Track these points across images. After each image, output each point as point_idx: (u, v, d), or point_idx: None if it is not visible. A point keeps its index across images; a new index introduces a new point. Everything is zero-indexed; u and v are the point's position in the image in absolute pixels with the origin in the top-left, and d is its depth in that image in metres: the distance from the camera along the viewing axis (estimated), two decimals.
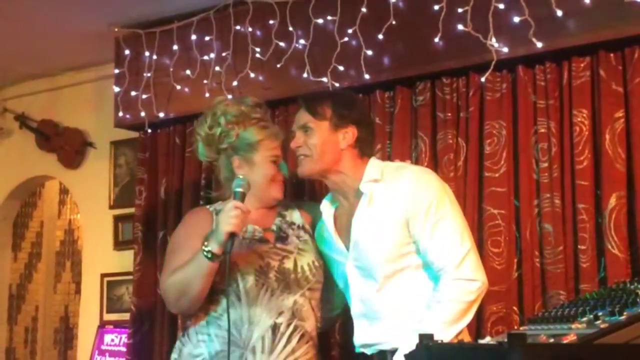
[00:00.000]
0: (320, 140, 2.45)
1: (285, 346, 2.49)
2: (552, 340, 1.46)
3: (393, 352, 2.30)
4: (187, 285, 2.44)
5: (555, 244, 2.75)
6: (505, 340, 1.36)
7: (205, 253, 2.37)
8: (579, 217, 2.71)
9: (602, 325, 1.46)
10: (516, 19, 2.78)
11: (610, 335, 1.42)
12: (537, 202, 2.82)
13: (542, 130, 2.83)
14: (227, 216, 2.35)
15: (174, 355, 2.62)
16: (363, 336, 2.45)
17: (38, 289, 5.73)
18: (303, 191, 3.28)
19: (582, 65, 2.78)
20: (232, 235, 2.35)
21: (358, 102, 2.69)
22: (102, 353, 4.15)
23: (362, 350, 2.47)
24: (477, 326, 2.79)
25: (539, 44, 2.76)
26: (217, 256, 2.37)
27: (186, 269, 2.44)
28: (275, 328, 2.49)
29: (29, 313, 5.70)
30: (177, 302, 2.53)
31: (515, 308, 2.80)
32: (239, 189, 2.44)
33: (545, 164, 2.81)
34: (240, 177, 2.51)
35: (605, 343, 1.40)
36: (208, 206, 2.76)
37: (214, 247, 2.36)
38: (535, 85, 2.87)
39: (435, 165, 3.00)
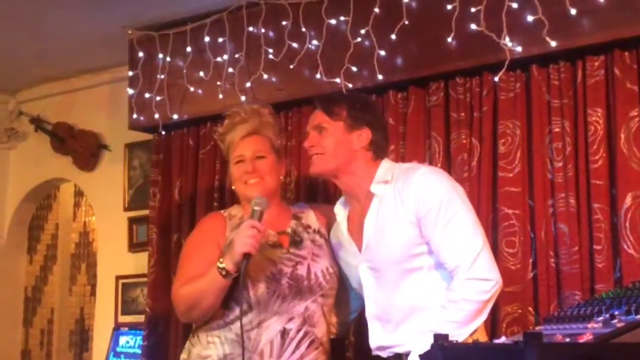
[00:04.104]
0: (334, 140, 2.45)
1: (294, 352, 2.48)
2: (568, 339, 1.45)
3: (408, 355, 2.29)
4: (199, 298, 2.46)
5: (571, 244, 2.73)
6: (521, 339, 1.36)
7: (219, 270, 2.38)
8: (594, 216, 2.69)
9: (619, 325, 1.45)
10: (530, 18, 2.77)
11: (626, 334, 1.41)
12: (552, 202, 2.80)
13: (557, 130, 2.82)
14: (243, 236, 2.36)
15: (183, 356, 2.62)
16: (377, 338, 2.44)
17: (53, 292, 5.76)
18: (316, 193, 3.28)
19: (596, 64, 2.76)
20: (247, 255, 2.35)
21: (373, 105, 2.69)
22: (117, 355, 4.17)
23: (377, 353, 2.45)
24: (492, 327, 2.77)
25: (553, 43, 2.74)
26: (231, 274, 2.38)
27: (200, 282, 2.44)
28: (284, 333, 2.48)
29: (45, 315, 5.73)
30: (187, 313, 2.54)
31: (530, 309, 2.78)
32: (257, 208, 2.43)
33: (560, 164, 2.79)
34: (259, 195, 2.50)
35: (621, 342, 1.39)
36: (222, 211, 2.76)
37: (228, 265, 2.37)
38: (549, 85, 2.85)
39: (448, 165, 2.99)
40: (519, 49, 2.82)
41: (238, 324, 2.41)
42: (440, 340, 1.62)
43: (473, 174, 2.94)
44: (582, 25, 2.72)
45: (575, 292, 2.70)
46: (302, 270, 2.54)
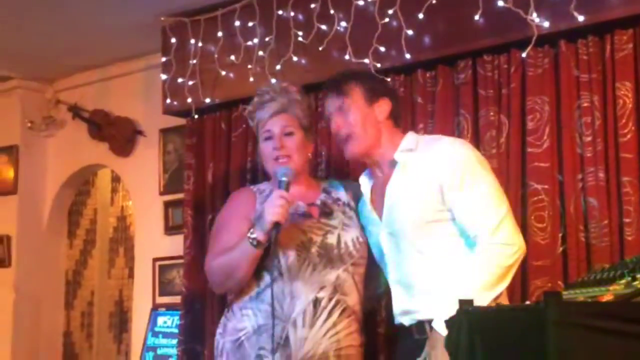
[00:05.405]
0: (360, 116, 2.49)
1: (326, 320, 2.53)
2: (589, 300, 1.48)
3: (430, 322, 2.32)
4: (233, 268, 2.53)
5: (600, 218, 2.74)
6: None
7: (250, 240, 2.44)
8: (624, 190, 2.69)
9: None
10: None
11: None
12: (581, 177, 2.81)
13: (586, 105, 2.82)
14: (272, 205, 2.41)
15: (219, 330, 2.68)
16: (400, 303, 2.48)
17: (93, 275, 5.89)
18: (347, 173, 3.31)
19: (624, 37, 2.75)
20: (276, 225, 2.41)
21: (380, 77, 2.72)
22: (155, 334, 4.27)
23: (400, 320, 2.49)
24: (522, 301, 2.79)
25: (581, 18, 2.74)
26: (262, 244, 2.44)
27: (232, 253, 2.51)
28: (316, 302, 2.53)
29: (85, 298, 5.86)
30: (223, 284, 2.62)
31: (560, 283, 2.79)
32: (284, 178, 2.50)
33: (589, 138, 2.79)
34: (285, 166, 2.55)
35: None
36: (252, 186, 2.83)
37: (259, 235, 2.43)
38: (577, 60, 2.85)
39: (477, 142, 3.00)
40: (546, 24, 2.82)
41: (270, 293, 2.46)
42: (465, 305, 1.66)
43: (502, 150, 2.96)
44: None
45: (605, 265, 2.69)
46: (332, 239, 2.58)
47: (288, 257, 2.55)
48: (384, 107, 2.51)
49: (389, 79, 3.11)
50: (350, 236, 2.61)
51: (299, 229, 2.59)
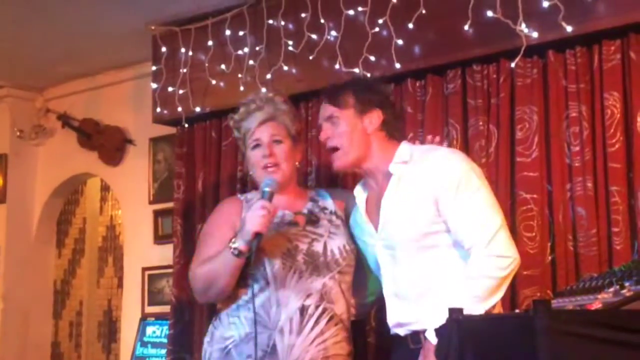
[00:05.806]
0: (348, 128, 2.48)
1: (313, 327, 2.53)
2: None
3: (425, 332, 2.31)
4: (214, 278, 2.53)
5: (589, 227, 2.75)
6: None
7: (232, 250, 2.45)
8: (612, 199, 2.71)
9: (628, 294, 1.48)
10: (545, 4, 2.79)
11: (635, 302, 1.44)
12: (570, 186, 2.82)
13: (574, 115, 2.84)
14: (254, 216, 2.42)
15: (206, 339, 2.68)
16: (395, 315, 2.47)
17: (82, 284, 5.86)
18: (336, 182, 3.32)
19: (612, 48, 2.77)
20: (258, 235, 2.42)
21: (379, 85, 2.68)
22: (144, 344, 4.25)
23: (395, 331, 2.48)
24: (511, 310, 2.79)
25: (569, 28, 2.76)
26: (243, 253, 2.45)
27: (214, 262, 2.51)
28: (303, 310, 2.53)
29: (74, 308, 5.83)
30: (204, 293, 2.62)
31: (549, 292, 2.80)
32: (267, 189, 2.51)
33: (577, 148, 2.81)
34: (269, 177, 2.56)
35: (630, 309, 1.42)
36: (239, 195, 2.84)
37: (240, 244, 2.44)
38: (565, 70, 2.87)
39: (466, 151, 3.00)
40: (535, 35, 2.84)
41: (256, 302, 2.48)
42: (455, 313, 1.66)
43: (491, 160, 2.97)
44: (598, 10, 2.74)
45: (594, 274, 2.71)
46: (318, 247, 2.59)
47: (274, 265, 2.55)
48: (374, 118, 2.49)
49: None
50: (336, 244, 2.62)
51: (285, 237, 2.59)
